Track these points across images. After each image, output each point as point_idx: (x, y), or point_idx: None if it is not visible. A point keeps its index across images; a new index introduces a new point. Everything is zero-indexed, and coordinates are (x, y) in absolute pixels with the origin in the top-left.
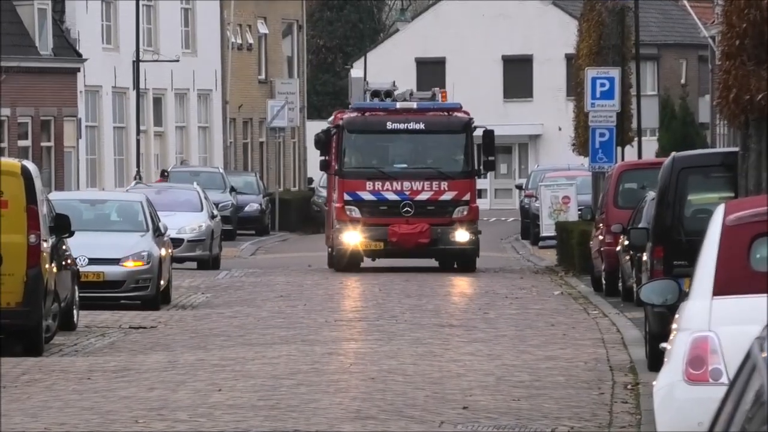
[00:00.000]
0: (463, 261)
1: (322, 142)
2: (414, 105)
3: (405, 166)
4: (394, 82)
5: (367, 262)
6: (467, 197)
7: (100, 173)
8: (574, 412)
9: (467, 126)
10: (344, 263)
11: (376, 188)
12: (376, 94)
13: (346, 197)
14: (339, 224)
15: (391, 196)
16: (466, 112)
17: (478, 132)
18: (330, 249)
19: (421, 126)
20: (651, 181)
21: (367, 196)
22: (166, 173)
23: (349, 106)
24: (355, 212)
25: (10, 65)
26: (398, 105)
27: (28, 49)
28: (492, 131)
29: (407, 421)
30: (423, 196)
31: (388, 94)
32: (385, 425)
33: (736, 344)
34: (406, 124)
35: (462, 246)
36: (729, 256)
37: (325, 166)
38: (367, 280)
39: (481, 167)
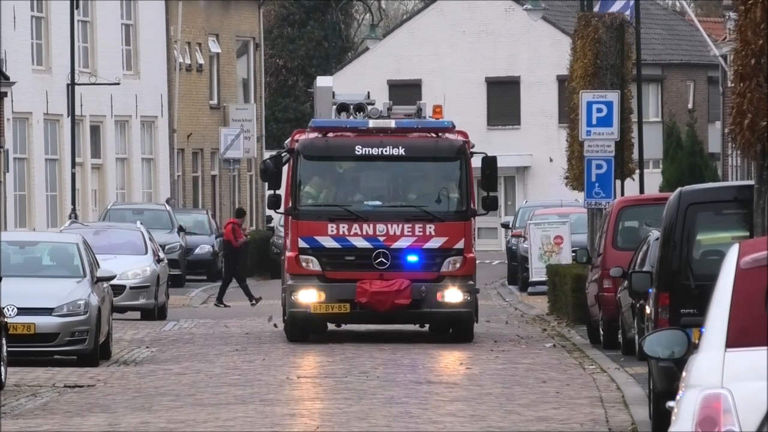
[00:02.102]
0: (455, 328)
1: (270, 172)
2: (392, 124)
3: (379, 203)
4: (368, 94)
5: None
6: (460, 245)
7: (30, 211)
8: None
9: (462, 151)
10: (299, 331)
11: (341, 232)
12: (343, 108)
13: (302, 244)
14: (292, 279)
15: (361, 243)
16: (461, 133)
17: (476, 159)
18: (282, 312)
19: (401, 151)
20: (654, 219)
21: (328, 242)
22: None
23: (309, 125)
24: (314, 264)
25: None
26: (371, 123)
27: None
28: (494, 159)
29: None
30: (402, 243)
31: (360, 108)
32: None
33: (753, 403)
34: (380, 149)
35: (453, 309)
36: (744, 303)
37: (274, 204)
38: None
39: (478, 206)
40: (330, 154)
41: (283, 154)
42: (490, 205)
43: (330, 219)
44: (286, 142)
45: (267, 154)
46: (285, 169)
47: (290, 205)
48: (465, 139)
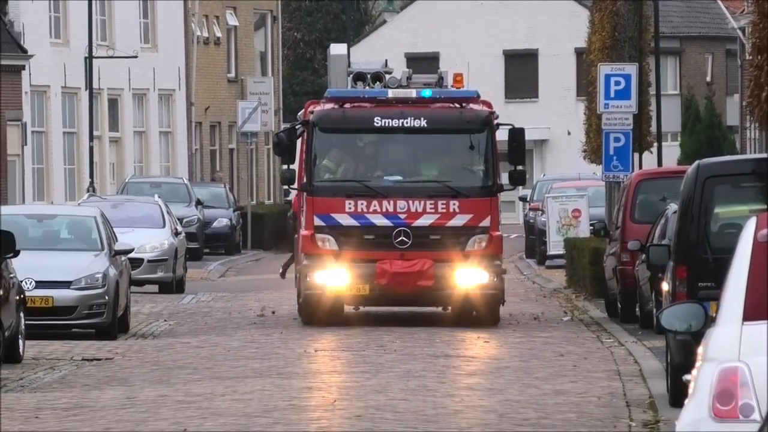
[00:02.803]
0: (481, 311)
1: (284, 146)
2: (413, 93)
3: (399, 178)
4: (386, 62)
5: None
6: (486, 222)
7: (49, 185)
8: None
9: (487, 123)
10: (315, 314)
11: (359, 210)
12: (360, 78)
13: (318, 222)
14: (307, 260)
15: (381, 221)
16: (486, 104)
17: (502, 132)
18: (297, 294)
19: (423, 123)
20: (672, 192)
21: (346, 220)
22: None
23: (324, 95)
24: (330, 243)
25: None
26: (390, 93)
27: None
28: (522, 130)
29: None
30: (425, 221)
31: (378, 78)
32: None
33: None
34: (401, 120)
35: (479, 291)
36: (761, 276)
37: (288, 179)
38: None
39: (504, 181)
40: (347, 126)
41: (297, 127)
42: (518, 179)
43: (347, 195)
44: (299, 113)
45: (284, 127)
46: (300, 142)
47: (305, 180)
48: (490, 110)
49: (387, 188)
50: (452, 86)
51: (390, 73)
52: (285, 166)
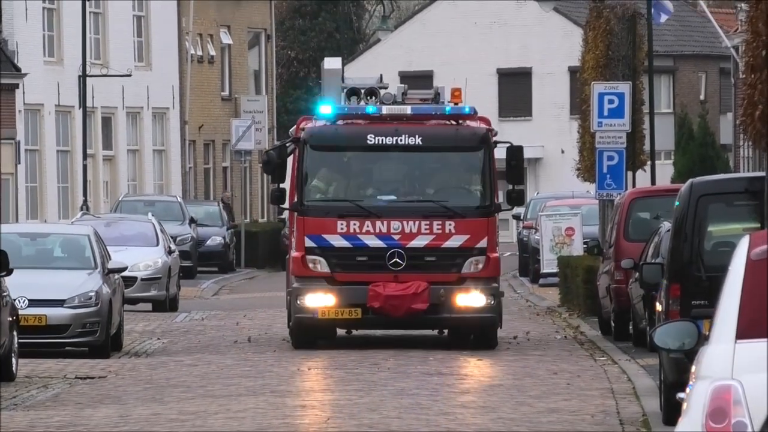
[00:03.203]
0: (477, 335)
1: (274, 164)
2: (408, 110)
3: (393, 198)
4: (381, 77)
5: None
6: (483, 243)
7: (42, 203)
8: None
9: (485, 140)
10: (306, 338)
11: (352, 230)
12: (353, 93)
13: (309, 243)
14: (298, 282)
15: (374, 242)
16: (483, 120)
17: (500, 150)
18: (288, 316)
19: (418, 140)
20: (666, 211)
21: (338, 241)
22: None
23: (315, 112)
24: (322, 265)
25: None
26: (385, 110)
27: None
28: (520, 149)
29: None
30: (419, 242)
31: (372, 93)
32: None
33: (763, 394)
34: (395, 138)
35: (475, 314)
36: (754, 295)
37: (278, 198)
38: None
39: (500, 201)
40: (339, 144)
41: (287, 144)
42: (516, 199)
43: (339, 215)
44: (291, 130)
45: (274, 145)
46: (291, 160)
47: (295, 200)
48: (488, 127)
49: (380, 208)
50: (450, 101)
51: (385, 88)
52: (275, 185)
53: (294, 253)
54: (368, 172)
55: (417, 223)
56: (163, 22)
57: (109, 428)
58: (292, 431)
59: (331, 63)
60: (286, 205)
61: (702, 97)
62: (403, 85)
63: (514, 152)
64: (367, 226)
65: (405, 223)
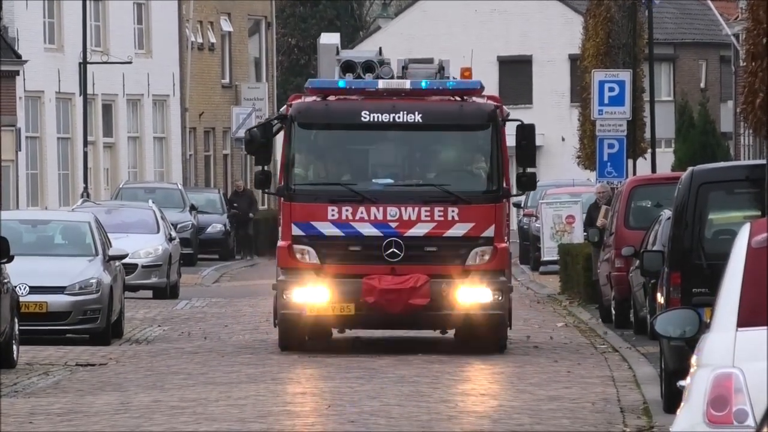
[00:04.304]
0: (484, 335)
1: (257, 144)
2: (407, 84)
3: (390, 182)
4: (380, 50)
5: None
6: (490, 232)
7: (43, 190)
8: None
9: (492, 118)
10: (293, 338)
11: (344, 217)
12: (349, 68)
13: (296, 231)
14: (284, 275)
15: (368, 230)
16: (492, 98)
17: (509, 127)
18: (273, 313)
19: (418, 117)
20: (666, 198)
21: (328, 229)
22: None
23: (305, 86)
24: (310, 255)
25: None
26: (381, 84)
27: None
28: (532, 127)
29: None
30: (419, 231)
31: (369, 68)
32: None
33: (764, 382)
34: (392, 115)
35: (481, 312)
36: (755, 283)
37: (262, 182)
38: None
39: (511, 185)
40: (330, 122)
41: (273, 122)
42: (527, 183)
43: (331, 201)
44: (282, 109)
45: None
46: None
47: (282, 184)
48: (497, 104)
49: (376, 193)
50: (454, 76)
51: (385, 63)
52: (259, 168)
53: (280, 243)
54: (362, 152)
55: (416, 209)
56: (163, 10)
57: (110, 415)
58: (293, 419)
59: (328, 38)
60: (273, 189)
61: (702, 85)
62: (404, 58)
63: (525, 131)
64: (361, 213)
65: (403, 209)
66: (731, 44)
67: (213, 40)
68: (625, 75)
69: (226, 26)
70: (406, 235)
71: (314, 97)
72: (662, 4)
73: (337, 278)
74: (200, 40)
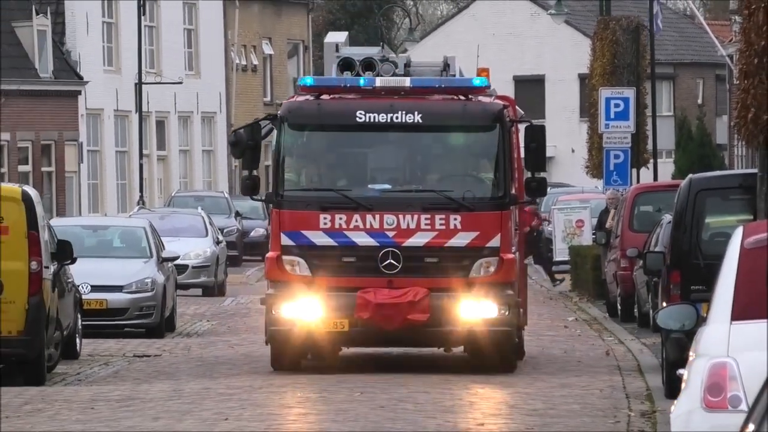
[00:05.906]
0: (490, 353)
1: (242, 146)
2: (406, 82)
3: (387, 187)
4: (383, 46)
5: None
6: (495, 242)
7: (102, 198)
8: None
9: (499, 118)
10: (283, 355)
11: (338, 226)
12: (347, 65)
13: (286, 241)
14: (273, 288)
15: (363, 240)
16: (503, 98)
17: (518, 130)
18: (264, 328)
19: (417, 118)
20: (667, 204)
21: (320, 238)
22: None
23: (297, 84)
24: (301, 267)
25: (9, 88)
26: (378, 82)
27: (27, 71)
28: (543, 128)
29: None
30: (418, 240)
31: (369, 65)
32: None
33: (756, 370)
34: (390, 115)
35: (487, 328)
36: (748, 280)
37: (250, 188)
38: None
39: (517, 191)
40: (323, 122)
41: (262, 122)
42: (538, 189)
43: (322, 208)
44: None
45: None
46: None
47: (271, 190)
48: (505, 103)
49: (372, 199)
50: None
51: (389, 60)
52: (246, 172)
53: (269, 254)
54: (357, 155)
55: (416, 217)
56: (210, 34)
57: (164, 401)
58: (328, 404)
59: (333, 37)
60: (261, 195)
61: (700, 101)
62: (406, 55)
63: (535, 132)
64: (356, 221)
65: (401, 217)
66: (726, 64)
67: (255, 62)
68: (630, 92)
69: (268, 49)
70: (404, 245)
71: (307, 96)
72: (663, 28)
73: (330, 292)
74: (244, 62)
